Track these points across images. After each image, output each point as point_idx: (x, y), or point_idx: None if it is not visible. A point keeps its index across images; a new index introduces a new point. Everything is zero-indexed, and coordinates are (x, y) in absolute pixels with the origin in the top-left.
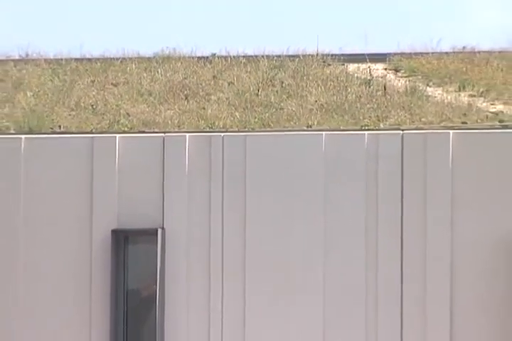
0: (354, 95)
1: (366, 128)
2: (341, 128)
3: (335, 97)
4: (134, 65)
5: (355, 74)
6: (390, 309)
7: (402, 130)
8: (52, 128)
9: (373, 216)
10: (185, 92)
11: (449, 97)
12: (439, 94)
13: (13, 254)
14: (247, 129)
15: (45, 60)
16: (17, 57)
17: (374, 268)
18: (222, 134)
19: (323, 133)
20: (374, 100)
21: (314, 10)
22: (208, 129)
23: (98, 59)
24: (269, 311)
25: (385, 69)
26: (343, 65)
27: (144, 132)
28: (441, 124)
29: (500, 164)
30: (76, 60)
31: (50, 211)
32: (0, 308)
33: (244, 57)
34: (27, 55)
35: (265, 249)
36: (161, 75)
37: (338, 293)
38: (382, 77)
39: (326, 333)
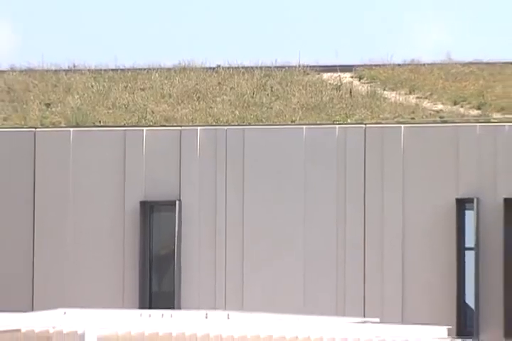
0: (327, 97)
1: (337, 123)
2: (318, 123)
3: (312, 99)
4: (157, 74)
5: (328, 81)
6: (355, 265)
7: (365, 124)
8: (94, 123)
9: (342, 194)
10: (197, 95)
11: (400, 99)
12: (393, 96)
13: (65, 219)
14: (245, 124)
15: (89, 70)
16: (66, 67)
17: (343, 235)
18: (226, 127)
19: (304, 127)
20: (343, 101)
21: (297, 30)
22: (214, 124)
23: (129, 69)
24: (262, 264)
25: (352, 77)
26: (319, 74)
27: (164, 126)
28: (395, 120)
29: (440, 151)
30: (112, 70)
31: (93, 187)
32: (54, 262)
33: (242, 67)
34: (74, 65)
35: (258, 218)
36: (178, 82)
37: (315, 252)
38: (349, 83)
39: (306, 279)
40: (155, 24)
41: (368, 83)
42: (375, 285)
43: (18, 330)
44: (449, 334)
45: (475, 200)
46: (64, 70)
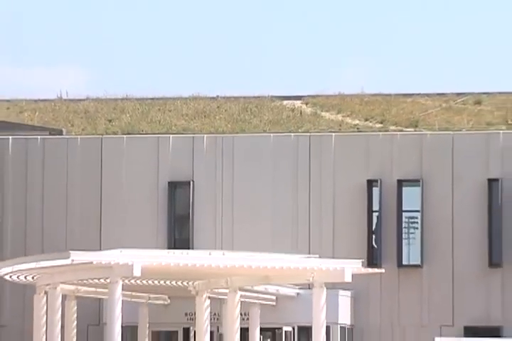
0: (286, 116)
1: (292, 132)
2: (280, 132)
3: (277, 117)
4: (178, 101)
5: (286, 106)
6: (304, 222)
7: (309, 133)
8: (139, 132)
9: (295, 179)
10: (204, 114)
11: (332, 117)
12: (327, 115)
13: (122, 193)
14: (234, 133)
15: (135, 98)
16: (121, 97)
17: (296, 205)
18: (222, 135)
19: (271, 134)
20: (295, 118)
21: (268, 73)
22: (215, 133)
23: (160, 98)
24: (245, 222)
25: (301, 103)
26: (280, 101)
27: (183, 134)
28: (328, 130)
29: (357, 150)
30: (150, 98)
31: (140, 172)
32: (114, 220)
33: (232, 97)
34: (126, 95)
35: (243, 194)
36: (192, 106)
37: (279, 214)
38: (299, 107)
39: (274, 230)
40: (176, 67)
41: (311, 107)
42: (317, 235)
43: (91, 262)
44: (362, 265)
45: (379, 181)
46: (120, 99)
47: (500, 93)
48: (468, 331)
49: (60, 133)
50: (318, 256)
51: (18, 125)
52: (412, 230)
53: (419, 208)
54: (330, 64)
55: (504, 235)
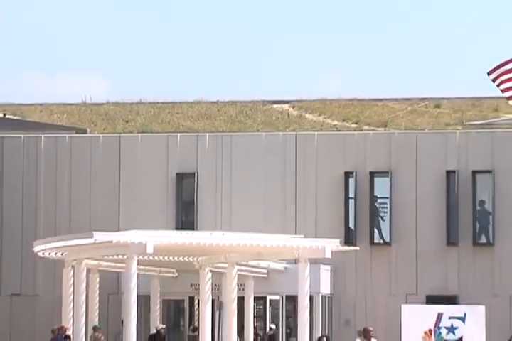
0: (275, 117)
1: (281, 131)
2: (271, 131)
3: (268, 118)
4: (184, 105)
5: (276, 109)
6: (291, 208)
7: (296, 132)
8: (151, 131)
9: (284, 170)
10: (206, 116)
11: (314, 118)
12: (310, 117)
13: (135, 184)
14: (232, 132)
15: (148, 102)
16: (136, 101)
17: (284, 194)
18: (222, 134)
19: (263, 133)
20: (284, 120)
21: (262, 80)
22: (216, 131)
23: (170, 102)
24: (242, 208)
25: (288, 106)
26: (271, 105)
27: (188, 133)
28: (312, 129)
29: (336, 145)
30: (161, 102)
31: (152, 164)
32: (131, 206)
33: (230, 101)
34: (140, 100)
35: (240, 183)
36: (196, 109)
37: (269, 201)
38: (287, 110)
39: (265, 214)
40: (182, 76)
41: (297, 110)
42: (302, 218)
43: (111, 241)
44: (340, 243)
45: (354, 172)
46: (135, 103)
47: (456, 98)
48: (430, 299)
49: (85, 132)
50: (303, 236)
51: (49, 125)
52: (382, 214)
53: (388, 195)
54: (313, 73)
55: (460, 218)
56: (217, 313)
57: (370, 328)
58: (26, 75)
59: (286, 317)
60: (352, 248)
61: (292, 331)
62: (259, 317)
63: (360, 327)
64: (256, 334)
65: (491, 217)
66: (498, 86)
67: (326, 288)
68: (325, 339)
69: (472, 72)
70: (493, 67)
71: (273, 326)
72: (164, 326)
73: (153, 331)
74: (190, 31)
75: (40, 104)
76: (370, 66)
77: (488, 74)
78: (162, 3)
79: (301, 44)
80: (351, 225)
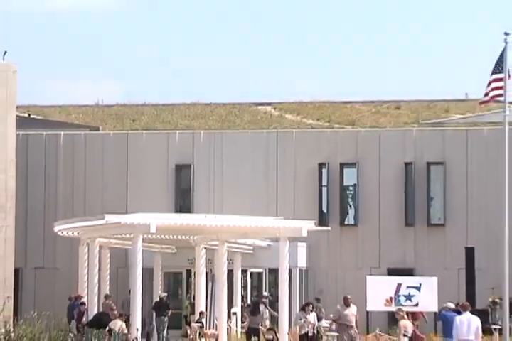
0: (260, 117)
1: (264, 129)
2: (255, 129)
3: (253, 118)
4: (182, 106)
5: (260, 110)
6: (272, 195)
7: (277, 130)
8: (154, 129)
9: (267, 162)
10: (201, 116)
11: (292, 118)
12: (289, 117)
13: (143, 173)
14: (222, 129)
15: (151, 104)
16: (141, 103)
17: (266, 183)
18: (214, 131)
19: (249, 131)
20: (267, 119)
21: (248, 86)
22: (209, 129)
23: (170, 104)
24: (231, 195)
25: (271, 108)
26: (256, 106)
27: (185, 130)
28: (290, 127)
29: (312, 140)
30: (162, 104)
31: (155, 157)
32: (138, 193)
33: (221, 103)
34: (145, 102)
35: (231, 174)
36: (192, 110)
37: (255, 190)
38: (269, 111)
39: (252, 201)
40: (181, 82)
41: (278, 111)
42: (282, 202)
43: (119, 222)
44: (314, 224)
45: (327, 164)
46: (140, 105)
47: (413, 101)
48: (390, 271)
49: (97, 129)
50: (283, 217)
51: (67, 124)
52: (350, 199)
53: (355, 183)
54: (291, 79)
55: (416, 203)
56: (210, 284)
57: (349, 296)
58: (48, 81)
59: (269, 288)
60: (325, 228)
61: (274, 299)
62: (245, 287)
63: (331, 295)
64: (243, 301)
65: (442, 202)
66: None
67: (302, 263)
68: (311, 306)
69: (427, 78)
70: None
71: (266, 293)
72: (166, 294)
73: (157, 298)
74: (187, 45)
75: (60, 106)
76: (340, 73)
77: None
78: (162, 18)
79: (282, 54)
80: (324, 209)
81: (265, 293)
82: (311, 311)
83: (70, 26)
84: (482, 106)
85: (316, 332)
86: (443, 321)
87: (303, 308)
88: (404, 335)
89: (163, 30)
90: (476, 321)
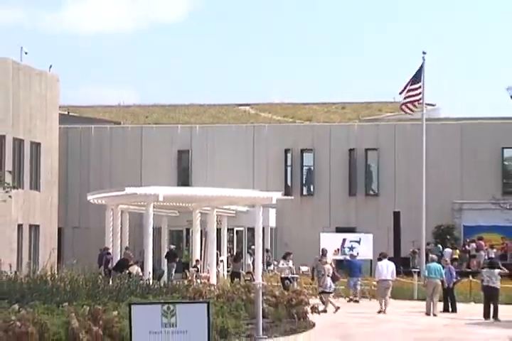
0: (241, 114)
1: (244, 123)
2: (237, 124)
3: (236, 115)
4: (183, 107)
5: (241, 109)
6: (250, 172)
7: (253, 124)
8: (163, 124)
9: (246, 150)
10: (195, 115)
11: (266, 115)
12: (264, 115)
13: (153, 157)
14: (212, 123)
15: (160, 105)
16: (151, 104)
17: (247, 162)
18: (205, 125)
19: (233, 125)
20: (247, 117)
21: (232, 89)
22: (202, 124)
23: (171, 104)
24: (220, 173)
25: (249, 108)
26: (237, 106)
27: (184, 124)
28: (264, 123)
29: (282, 132)
30: (168, 105)
31: (161, 146)
32: (150, 174)
33: (211, 104)
34: (155, 104)
35: (219, 158)
36: (189, 109)
37: (238, 168)
38: (248, 110)
39: (235, 178)
40: (181, 88)
41: (254, 110)
42: (258, 179)
43: (136, 193)
44: (281, 195)
45: (291, 150)
46: (151, 105)
47: (355, 102)
48: (338, 229)
49: (119, 124)
50: (258, 190)
51: (96, 119)
52: (308, 175)
53: (312, 164)
54: (266, 85)
55: (357, 179)
56: (203, 239)
57: (325, 248)
58: (82, 87)
59: (248, 242)
60: (289, 197)
61: (250, 250)
62: (230, 241)
63: (294, 247)
64: (229, 252)
65: (376, 178)
66: (405, 98)
67: (272, 223)
68: (291, 255)
69: (365, 85)
70: (402, 88)
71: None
72: (175, 246)
73: (167, 250)
74: (187, 58)
75: (91, 106)
76: (301, 81)
77: (400, 93)
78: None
79: (258, 67)
80: (289, 183)
81: (253, 247)
82: (290, 259)
83: (97, 47)
84: (403, 107)
85: (292, 274)
86: (349, 265)
87: (284, 257)
88: (328, 275)
89: (168, 49)
90: (392, 265)
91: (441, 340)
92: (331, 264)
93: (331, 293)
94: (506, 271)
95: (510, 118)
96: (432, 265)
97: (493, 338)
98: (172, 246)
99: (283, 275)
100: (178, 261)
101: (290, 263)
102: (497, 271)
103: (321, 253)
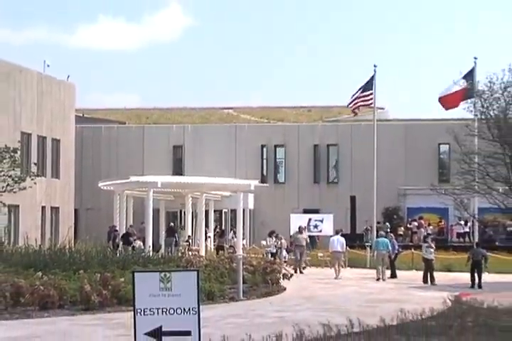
0: (226, 116)
1: (229, 123)
2: (224, 123)
3: (220, 117)
4: (177, 110)
5: (225, 112)
6: (233, 164)
7: (236, 124)
8: (162, 124)
9: (229, 146)
10: (188, 116)
11: (246, 117)
12: (244, 116)
13: (154, 152)
14: (204, 123)
15: (159, 108)
16: (152, 107)
17: (229, 156)
18: (197, 125)
19: (218, 125)
20: (231, 118)
21: (217, 94)
22: (193, 124)
23: (169, 108)
24: (209, 164)
25: (233, 111)
26: (222, 110)
27: (178, 124)
28: (244, 123)
29: (264, 132)
30: (166, 108)
31: (159, 142)
32: (151, 165)
33: (200, 108)
34: (155, 107)
35: (207, 152)
36: (183, 112)
37: (223, 160)
38: (231, 113)
39: (221, 170)
40: (176, 94)
41: (236, 113)
42: (239, 170)
43: (138, 181)
44: (258, 182)
45: (266, 145)
46: (152, 108)
47: (320, 106)
48: (305, 211)
49: (125, 124)
50: (239, 178)
51: (106, 120)
52: (281, 166)
53: (283, 157)
54: (246, 92)
55: (320, 169)
56: (194, 219)
57: (303, 226)
58: (95, 93)
59: (231, 221)
60: (264, 184)
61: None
62: (216, 220)
63: (269, 225)
64: (215, 230)
65: (336, 169)
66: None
67: (251, 205)
68: (274, 233)
69: (328, 91)
70: (350, 100)
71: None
72: (173, 224)
73: (167, 227)
74: (180, 71)
75: (102, 109)
76: (275, 88)
77: (348, 105)
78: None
79: (237, 71)
80: (264, 173)
81: (235, 230)
82: (275, 236)
83: (106, 60)
84: (353, 109)
85: (277, 248)
86: (311, 241)
87: (269, 234)
88: (285, 248)
89: (165, 62)
90: (342, 239)
91: (389, 301)
92: (286, 239)
93: (286, 262)
94: (432, 245)
95: (445, 120)
96: (380, 240)
97: (430, 298)
98: (171, 224)
99: (269, 250)
100: (176, 236)
101: (273, 240)
102: (426, 244)
103: (297, 229)
